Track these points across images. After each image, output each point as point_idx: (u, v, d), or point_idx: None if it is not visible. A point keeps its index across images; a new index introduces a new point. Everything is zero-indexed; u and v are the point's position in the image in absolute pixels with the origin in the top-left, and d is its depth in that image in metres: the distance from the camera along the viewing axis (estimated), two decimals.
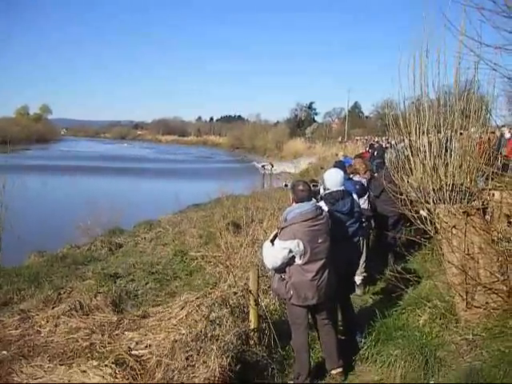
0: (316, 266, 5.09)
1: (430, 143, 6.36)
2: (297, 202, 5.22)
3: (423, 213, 6.38)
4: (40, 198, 25.17)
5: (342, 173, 6.35)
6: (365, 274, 8.21)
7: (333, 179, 6.11)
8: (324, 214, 5.30)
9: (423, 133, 6.44)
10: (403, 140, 7.41)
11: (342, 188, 6.06)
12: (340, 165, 8.38)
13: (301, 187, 5.26)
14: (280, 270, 5.17)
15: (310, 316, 5.44)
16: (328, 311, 5.48)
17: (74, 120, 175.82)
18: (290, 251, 5.01)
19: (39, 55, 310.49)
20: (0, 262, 12.87)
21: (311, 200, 5.25)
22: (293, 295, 5.12)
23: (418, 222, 6.31)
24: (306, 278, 5.07)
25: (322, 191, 6.20)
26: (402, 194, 6.52)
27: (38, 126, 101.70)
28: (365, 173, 9.05)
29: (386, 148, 22.92)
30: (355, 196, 6.50)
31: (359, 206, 6.58)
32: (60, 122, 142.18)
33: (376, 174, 9.40)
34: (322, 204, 5.82)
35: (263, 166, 43.01)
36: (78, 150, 71.71)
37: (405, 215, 7.76)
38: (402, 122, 6.78)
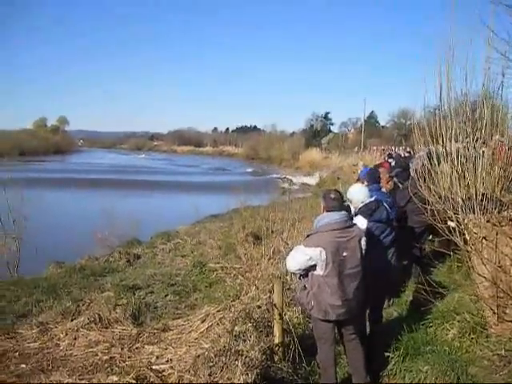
0: (338, 281, 4.89)
1: (457, 151, 6.21)
2: (327, 211, 5.09)
3: (451, 223, 6.21)
4: (57, 211, 25.25)
5: (364, 187, 6.38)
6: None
7: (361, 193, 6.08)
8: (355, 227, 5.16)
9: (450, 140, 6.30)
10: (423, 149, 7.30)
11: (373, 198, 6.03)
12: (374, 172, 8.22)
13: (332, 195, 5.14)
14: (300, 275, 5.08)
15: (336, 330, 5.27)
16: (355, 326, 5.28)
17: (91, 131, 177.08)
18: (311, 259, 4.87)
19: (54, 67, 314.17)
20: (18, 272, 12.91)
21: (342, 210, 5.13)
22: (314, 306, 4.96)
23: (447, 232, 6.14)
24: (327, 292, 4.90)
25: (353, 209, 6.07)
26: (429, 204, 6.38)
27: (55, 138, 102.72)
28: (387, 182, 8.83)
29: (405, 157, 22.71)
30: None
31: (394, 215, 6.52)
32: (77, 133, 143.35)
33: (400, 184, 9.19)
34: (359, 219, 5.71)
35: (283, 179, 43.45)
36: (96, 162, 71.90)
37: (431, 226, 7.61)
38: (427, 130, 6.64)
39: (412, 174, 9.47)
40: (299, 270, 5.00)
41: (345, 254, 4.90)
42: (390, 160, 21.72)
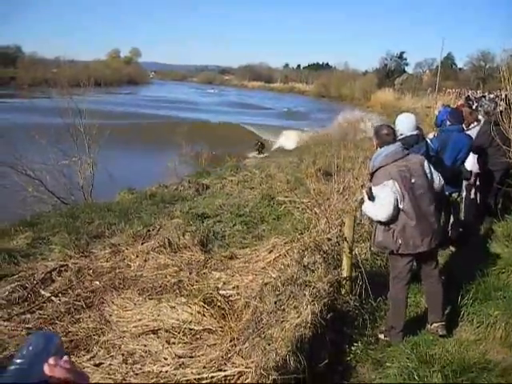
0: (417, 209, 4.77)
1: None
2: (381, 147, 4.98)
3: None
4: (129, 143, 25.62)
5: (413, 117, 6.21)
6: (460, 229, 7.81)
7: (405, 124, 5.95)
8: (413, 155, 5.06)
9: None
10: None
11: (415, 132, 5.88)
12: (457, 112, 7.87)
13: (385, 131, 5.04)
14: (393, 218, 4.84)
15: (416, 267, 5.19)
16: (436, 257, 5.19)
17: (163, 64, 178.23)
18: (392, 190, 4.73)
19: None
20: (92, 197, 13.37)
21: (396, 142, 5.01)
22: (401, 244, 4.81)
23: None
24: (410, 223, 4.76)
25: None
26: None
27: (128, 69, 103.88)
28: (469, 124, 8.46)
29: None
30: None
31: (435, 152, 6.30)
32: (149, 65, 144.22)
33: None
34: None
35: None
36: (166, 96, 71.47)
37: (509, 170, 7.28)
38: None
39: (481, 116, 9.07)
40: (395, 209, 4.76)
41: (413, 180, 4.79)
42: (469, 103, 20.89)
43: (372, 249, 6.28)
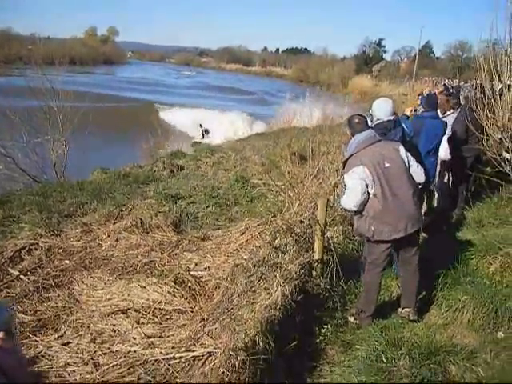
0: (389, 194, 4.73)
1: None
2: (353, 135, 5.02)
3: (507, 155, 5.98)
4: (104, 124, 25.30)
5: (391, 102, 6.06)
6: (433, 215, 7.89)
7: (383, 109, 5.80)
8: (387, 141, 5.09)
9: None
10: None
11: (392, 117, 5.77)
12: (432, 98, 7.87)
13: (356, 120, 5.10)
14: (362, 205, 4.84)
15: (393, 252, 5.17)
16: (417, 246, 5.12)
17: (141, 44, 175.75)
18: (362, 178, 4.71)
19: None
20: (65, 175, 13.20)
21: (368, 129, 5.04)
22: (375, 231, 4.79)
23: (502, 164, 5.93)
24: (382, 209, 4.73)
25: (369, 123, 5.87)
26: (486, 134, 6.14)
27: (105, 48, 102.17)
28: (444, 112, 8.49)
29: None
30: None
31: (410, 137, 6.23)
32: (126, 44, 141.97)
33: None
34: None
35: None
36: (141, 77, 70.37)
37: (481, 157, 7.35)
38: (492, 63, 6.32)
39: (462, 102, 9.14)
40: (363, 197, 4.76)
41: (387, 164, 4.77)
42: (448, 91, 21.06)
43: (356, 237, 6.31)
